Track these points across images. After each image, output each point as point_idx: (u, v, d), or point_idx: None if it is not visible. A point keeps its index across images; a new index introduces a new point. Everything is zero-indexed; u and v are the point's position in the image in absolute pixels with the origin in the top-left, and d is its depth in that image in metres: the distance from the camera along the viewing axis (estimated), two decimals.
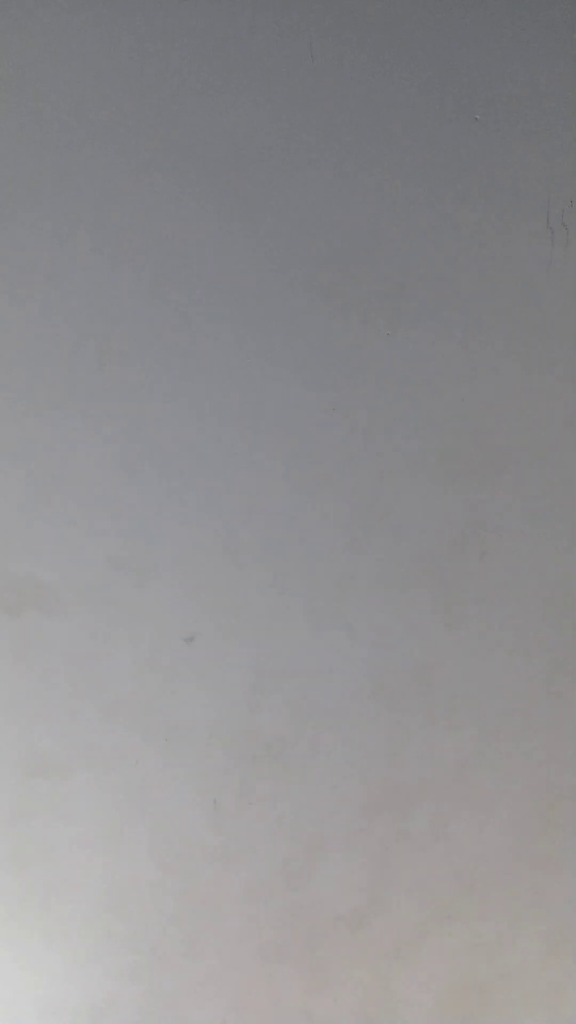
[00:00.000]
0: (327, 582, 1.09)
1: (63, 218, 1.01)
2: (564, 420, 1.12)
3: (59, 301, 1.02)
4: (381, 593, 1.10)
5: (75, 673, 1.06)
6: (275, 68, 1.02)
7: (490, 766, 1.15)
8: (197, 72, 1.01)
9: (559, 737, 1.16)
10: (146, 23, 1.00)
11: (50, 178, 1.01)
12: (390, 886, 1.15)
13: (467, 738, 1.14)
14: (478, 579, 1.12)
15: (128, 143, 1.01)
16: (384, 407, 1.08)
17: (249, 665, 1.09)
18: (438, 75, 1.05)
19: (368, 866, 1.14)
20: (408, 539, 1.10)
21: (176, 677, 1.07)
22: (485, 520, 1.12)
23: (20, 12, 0.98)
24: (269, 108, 1.02)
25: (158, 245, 1.03)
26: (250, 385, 1.05)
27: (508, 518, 1.12)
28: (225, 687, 1.08)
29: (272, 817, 1.11)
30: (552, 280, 1.10)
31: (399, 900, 1.15)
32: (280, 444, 1.06)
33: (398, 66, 1.04)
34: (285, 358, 1.06)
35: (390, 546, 1.10)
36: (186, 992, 1.13)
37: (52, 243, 1.01)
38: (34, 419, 1.03)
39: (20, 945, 1.10)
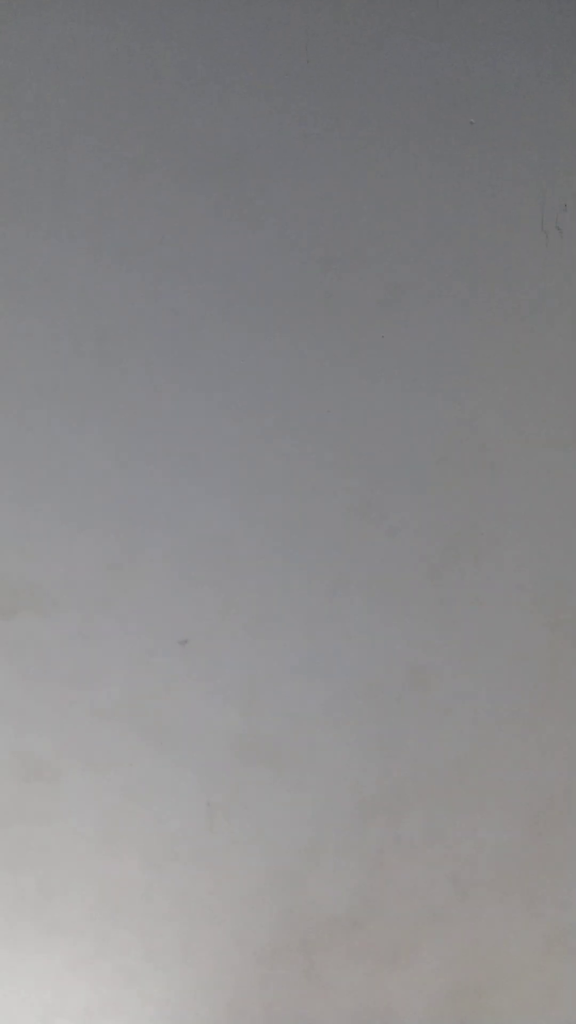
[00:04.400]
0: (322, 585, 1.09)
1: (59, 220, 1.02)
2: (559, 423, 1.12)
3: (54, 304, 1.02)
4: (376, 596, 1.10)
5: (69, 675, 1.06)
6: (270, 71, 1.02)
7: (485, 769, 1.15)
8: (191, 75, 1.01)
9: (554, 740, 1.16)
10: (141, 25, 1.00)
11: (46, 179, 1.01)
12: (385, 889, 1.14)
13: (462, 741, 1.14)
14: (473, 582, 1.12)
15: (122, 145, 1.01)
16: (378, 410, 1.08)
17: (244, 667, 1.09)
18: (433, 78, 1.05)
19: (363, 869, 1.14)
20: (403, 542, 1.10)
21: (170, 679, 1.07)
22: (480, 523, 1.12)
23: (18, 12, 0.99)
24: (264, 111, 1.03)
25: (152, 248, 1.03)
26: (245, 387, 1.05)
27: (503, 521, 1.12)
28: (219, 689, 1.08)
29: (266, 820, 1.11)
30: (547, 283, 1.10)
31: (394, 903, 1.15)
32: (275, 447, 1.07)
33: (393, 69, 1.04)
34: (280, 360, 1.06)
35: (385, 549, 1.10)
36: (181, 996, 1.13)
37: (48, 246, 1.02)
38: (27, 421, 1.03)
39: (14, 949, 1.10)
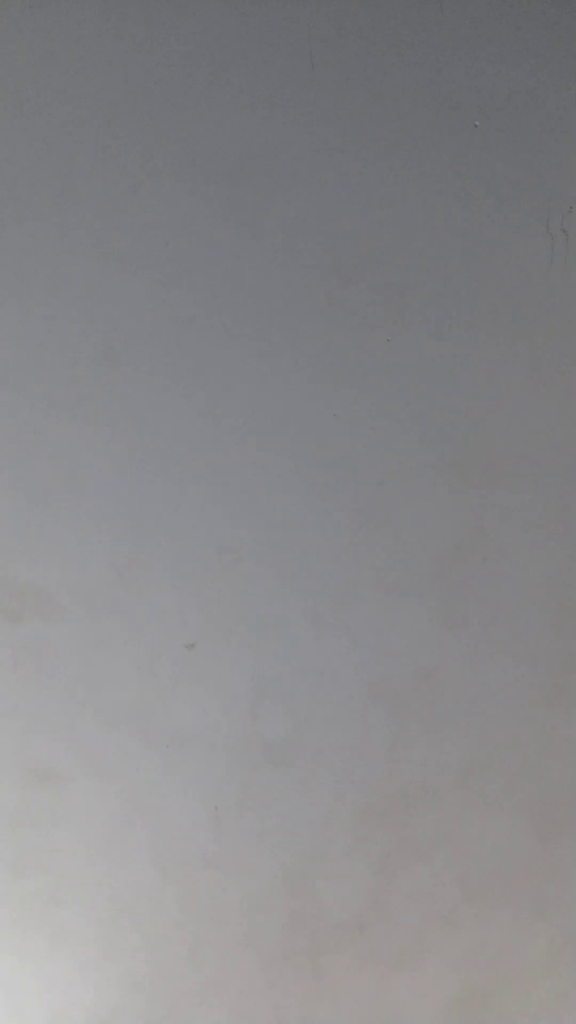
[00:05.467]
0: (328, 588, 1.09)
1: (65, 226, 1.02)
2: (564, 425, 1.12)
3: (61, 310, 1.03)
4: (382, 598, 1.10)
5: (76, 680, 1.06)
6: (276, 77, 1.02)
7: (491, 772, 1.14)
8: (198, 81, 1.01)
9: (561, 743, 1.15)
10: (148, 32, 1.00)
11: (53, 186, 1.01)
12: (391, 893, 1.14)
13: (468, 744, 1.14)
14: (479, 584, 1.12)
15: (129, 151, 1.01)
16: (385, 413, 1.08)
17: (250, 671, 1.08)
18: (438, 83, 1.05)
19: (369, 873, 1.14)
20: (409, 544, 1.10)
21: (177, 683, 1.07)
22: (486, 525, 1.11)
23: (22, 19, 0.99)
24: (270, 116, 1.03)
25: (159, 253, 1.03)
26: (251, 392, 1.05)
27: (509, 523, 1.12)
28: (226, 693, 1.08)
29: (273, 823, 1.11)
30: (552, 285, 1.10)
31: (400, 907, 1.15)
32: (281, 450, 1.07)
33: (398, 74, 1.04)
34: (286, 364, 1.06)
35: (391, 551, 1.10)
36: (188, 999, 1.12)
37: (54, 252, 1.02)
38: (35, 427, 1.04)
39: (23, 953, 1.10)
